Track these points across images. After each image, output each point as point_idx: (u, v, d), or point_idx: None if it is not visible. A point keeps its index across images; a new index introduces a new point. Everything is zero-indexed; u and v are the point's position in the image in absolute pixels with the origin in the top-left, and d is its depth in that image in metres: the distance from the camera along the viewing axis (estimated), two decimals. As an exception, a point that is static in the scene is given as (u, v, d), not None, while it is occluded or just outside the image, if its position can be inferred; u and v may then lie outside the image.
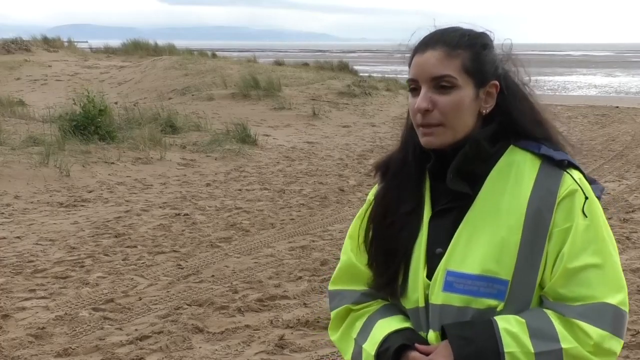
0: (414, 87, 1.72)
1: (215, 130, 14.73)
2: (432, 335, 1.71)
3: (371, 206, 1.86)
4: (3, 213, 8.73)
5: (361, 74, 28.12)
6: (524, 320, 1.63)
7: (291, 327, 5.28)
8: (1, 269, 6.63)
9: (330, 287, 1.94)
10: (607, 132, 17.13)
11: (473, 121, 1.72)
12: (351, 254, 1.89)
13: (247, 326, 5.31)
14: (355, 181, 11.04)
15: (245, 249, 7.35)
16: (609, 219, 8.24)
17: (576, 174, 1.70)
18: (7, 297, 5.92)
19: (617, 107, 23.63)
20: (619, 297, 1.65)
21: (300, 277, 6.41)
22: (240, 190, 10.33)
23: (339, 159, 13.16)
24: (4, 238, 7.68)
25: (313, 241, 7.63)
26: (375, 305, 1.85)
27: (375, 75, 29.55)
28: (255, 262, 6.88)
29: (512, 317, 1.63)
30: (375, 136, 16.45)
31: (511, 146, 1.73)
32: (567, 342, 1.61)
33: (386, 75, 30.10)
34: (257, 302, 5.77)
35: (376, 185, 1.89)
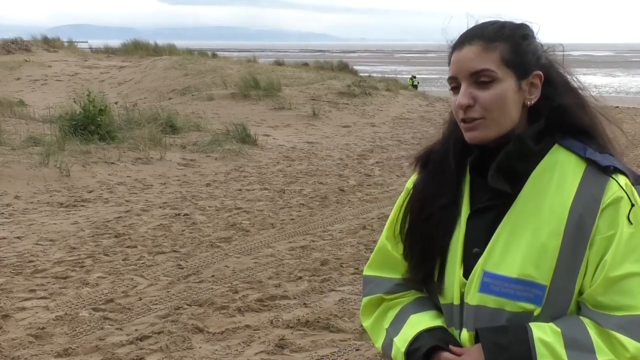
0: (454, 84, 1.69)
1: (215, 130, 14.74)
2: (465, 335, 1.69)
3: (409, 196, 1.84)
4: (3, 213, 8.73)
5: (361, 74, 28.15)
6: (559, 330, 1.59)
7: (291, 327, 5.27)
8: (1, 269, 6.63)
9: (365, 272, 1.93)
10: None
11: (518, 113, 1.68)
12: (387, 241, 1.88)
13: (247, 326, 5.30)
14: (355, 181, 11.04)
15: (245, 249, 7.35)
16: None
17: (622, 179, 1.64)
18: (7, 297, 5.92)
19: (617, 107, 23.64)
20: None
21: (300, 277, 6.41)
22: (240, 190, 10.33)
23: (339, 159, 13.16)
24: (4, 238, 7.67)
25: (313, 241, 7.63)
26: (409, 297, 1.84)
27: (375, 75, 29.58)
28: (255, 262, 6.88)
29: (547, 326, 1.60)
30: (375, 136, 16.45)
31: (556, 145, 1.68)
32: (603, 354, 1.57)
33: (386, 75, 30.14)
34: (257, 302, 5.77)
35: (414, 175, 1.85)
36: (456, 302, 1.71)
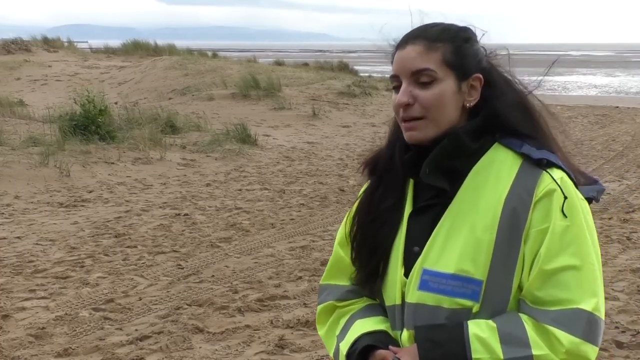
0: (396, 83, 1.71)
1: (215, 130, 14.74)
2: (405, 335, 1.69)
3: (357, 203, 1.86)
4: (3, 213, 8.73)
5: (361, 74, 28.12)
6: (495, 325, 1.60)
7: (291, 327, 5.28)
8: (1, 269, 6.63)
9: (321, 282, 1.95)
10: (607, 132, 17.14)
11: (457, 114, 1.69)
12: (339, 248, 1.89)
13: (247, 326, 5.31)
14: (355, 181, 11.03)
15: (245, 249, 7.35)
16: (608, 219, 8.30)
17: (557, 173, 1.65)
18: (7, 297, 5.92)
19: (617, 107, 23.65)
20: (593, 303, 1.60)
21: (300, 277, 6.41)
22: (240, 190, 10.33)
23: (339, 159, 13.17)
24: (4, 238, 7.68)
25: (313, 241, 7.64)
26: (360, 304, 1.84)
27: (375, 75, 29.55)
28: (255, 262, 6.89)
29: (483, 322, 1.60)
30: (375, 136, 16.44)
31: (496, 143, 1.70)
32: (538, 348, 1.57)
33: (386, 75, 30.09)
34: (257, 302, 5.77)
35: (366, 184, 1.88)
36: (398, 302, 1.71)
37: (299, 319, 5.39)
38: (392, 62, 1.73)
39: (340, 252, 1.89)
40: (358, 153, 13.92)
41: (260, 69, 24.90)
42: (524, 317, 1.61)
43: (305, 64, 30.48)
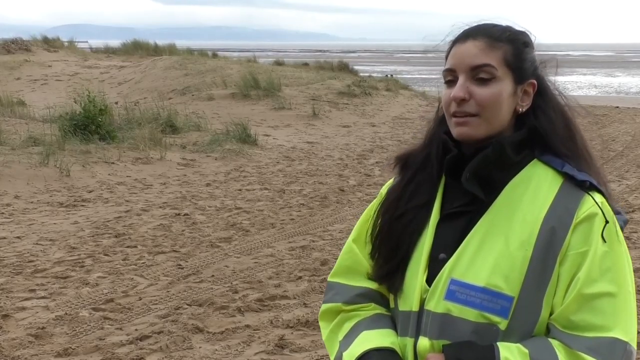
0: (450, 78, 1.68)
1: (215, 130, 14.74)
2: (425, 344, 1.65)
3: (383, 199, 1.82)
4: (3, 213, 8.73)
5: (361, 74, 28.11)
6: (526, 351, 1.55)
7: (291, 327, 5.28)
8: (1, 269, 6.63)
9: (329, 278, 1.91)
10: (607, 132, 17.16)
11: (508, 118, 1.67)
12: (354, 244, 1.85)
13: (247, 326, 5.31)
14: (355, 181, 11.04)
15: (245, 249, 7.35)
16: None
17: (598, 197, 1.63)
18: (7, 297, 5.92)
19: (617, 107, 23.66)
20: (629, 333, 1.57)
21: (300, 277, 6.41)
22: (240, 190, 10.33)
23: (339, 159, 13.16)
24: (4, 238, 7.68)
25: (313, 241, 7.64)
26: (367, 311, 1.80)
27: (375, 75, 29.55)
28: (255, 262, 6.89)
29: (514, 346, 1.56)
30: (375, 136, 16.45)
31: (535, 159, 1.67)
32: None
33: (386, 75, 30.09)
34: (257, 302, 5.78)
35: (390, 181, 1.85)
36: (414, 308, 1.67)
37: (299, 319, 5.39)
38: (446, 57, 1.70)
39: (354, 248, 1.85)
40: (358, 153, 13.93)
41: (260, 69, 24.89)
42: (554, 343, 1.56)
43: (305, 64, 30.48)
